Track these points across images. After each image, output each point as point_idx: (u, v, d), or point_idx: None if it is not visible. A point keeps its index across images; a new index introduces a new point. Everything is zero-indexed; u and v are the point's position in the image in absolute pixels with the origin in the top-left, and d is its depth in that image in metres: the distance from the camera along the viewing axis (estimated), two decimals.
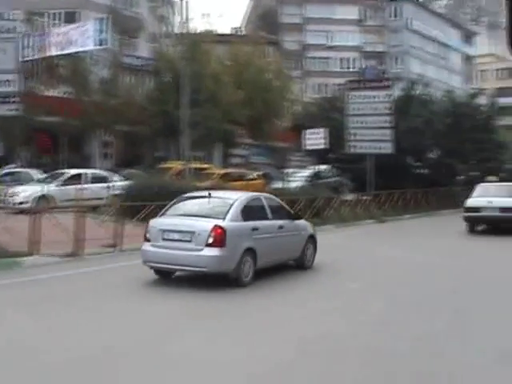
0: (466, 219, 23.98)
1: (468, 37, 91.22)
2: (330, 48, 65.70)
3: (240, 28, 72.24)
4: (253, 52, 45.20)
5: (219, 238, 12.01)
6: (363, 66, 67.78)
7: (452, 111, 35.61)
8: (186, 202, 13.81)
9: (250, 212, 13.17)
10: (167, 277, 13.05)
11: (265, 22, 68.25)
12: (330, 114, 34.76)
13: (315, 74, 69.01)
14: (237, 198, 13.27)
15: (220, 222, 12.23)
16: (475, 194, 24.52)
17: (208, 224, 12.21)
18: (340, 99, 34.20)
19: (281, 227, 13.99)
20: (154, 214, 15.03)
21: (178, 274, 13.19)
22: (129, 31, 45.62)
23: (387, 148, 29.82)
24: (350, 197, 29.89)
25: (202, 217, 12.64)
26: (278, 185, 31.18)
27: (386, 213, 29.20)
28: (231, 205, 12.84)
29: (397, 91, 35.27)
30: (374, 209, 28.99)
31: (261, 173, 36.50)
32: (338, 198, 28.06)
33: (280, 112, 46.98)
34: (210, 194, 13.47)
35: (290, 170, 37.04)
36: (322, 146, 30.19)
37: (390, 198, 30.09)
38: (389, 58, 74.75)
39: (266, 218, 13.73)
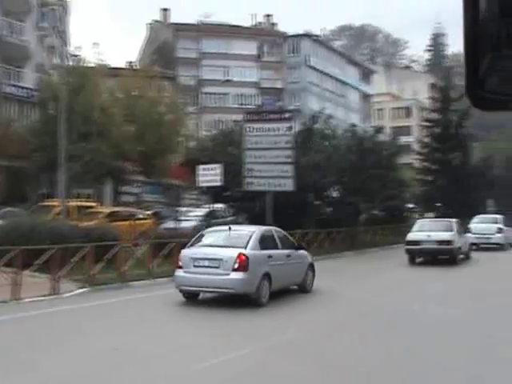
0: (408, 251, 27.06)
1: (365, 75, 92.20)
2: (227, 83, 64.05)
3: (134, 62, 69.79)
4: (146, 85, 42.72)
5: (243, 263, 14.61)
6: (261, 102, 66.71)
7: (356, 147, 34.02)
8: (210, 234, 16.68)
9: (265, 242, 15.91)
10: (194, 299, 15.49)
11: (160, 56, 66.18)
12: (227, 148, 32.54)
13: (211, 110, 67.14)
14: (254, 231, 16.20)
15: (243, 251, 14.87)
16: (415, 229, 28.19)
17: (233, 252, 14.81)
18: (237, 133, 32.08)
19: (288, 256, 16.73)
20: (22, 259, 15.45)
21: (201, 296, 15.70)
22: (14, 60, 42.73)
23: (287, 185, 27.65)
24: None
25: (227, 247, 15.19)
26: (170, 225, 29.12)
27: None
28: (250, 236, 15.59)
29: (297, 126, 33.58)
30: None
31: (151, 212, 33.79)
32: None
33: (173, 147, 44.50)
34: (230, 227, 16.47)
35: (184, 209, 34.51)
36: (217, 183, 27.73)
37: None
38: (287, 94, 73.94)
39: (277, 248, 16.45)
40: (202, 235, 16.67)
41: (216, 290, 15.18)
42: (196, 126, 59.08)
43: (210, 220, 29.37)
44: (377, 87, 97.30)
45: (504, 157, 67.17)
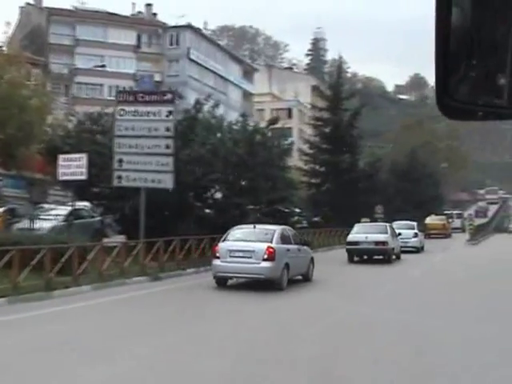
0: (348, 251, 30.16)
1: (248, 73, 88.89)
2: (102, 74, 58.55)
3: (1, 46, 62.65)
4: (9, 68, 36.55)
5: (271, 254, 18.60)
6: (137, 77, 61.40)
7: (246, 141, 29.33)
8: (238, 231, 20.30)
9: (283, 238, 19.90)
10: (224, 284, 19.33)
11: (32, 42, 59.78)
12: (95, 136, 27.37)
13: (84, 101, 60.97)
14: (275, 229, 20.33)
15: (270, 244, 18.87)
16: (354, 231, 31.31)
17: (263, 245, 18.80)
18: (110, 119, 26.98)
19: (299, 250, 20.79)
20: None
21: (229, 282, 19.65)
22: None
23: (166, 181, 23.03)
24: (116, 243, 22.47)
25: (257, 241, 19.09)
26: (25, 225, 24.02)
27: (164, 266, 22.25)
28: (273, 233, 19.68)
29: (179, 115, 29.08)
30: (148, 260, 21.83)
31: (2, 209, 28.10)
32: (98, 245, 20.58)
33: (39, 137, 38.45)
34: (255, 226, 20.75)
35: (47, 207, 29.11)
36: (80, 177, 22.52)
37: (168, 245, 23.03)
38: (165, 88, 68.86)
39: (291, 243, 20.35)
40: (230, 232, 20.10)
41: (249, 275, 18.83)
42: (66, 117, 53.13)
43: (72, 220, 24.22)
44: (258, 87, 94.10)
45: (388, 161, 65.44)
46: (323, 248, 37.35)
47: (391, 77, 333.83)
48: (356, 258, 30.14)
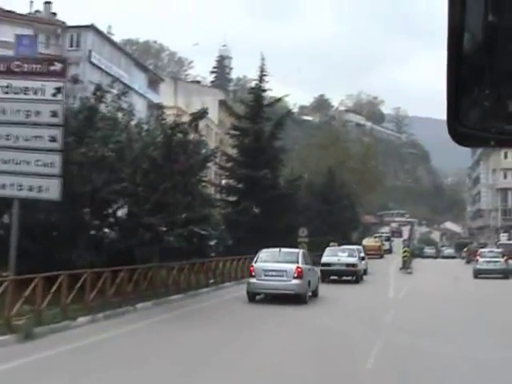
0: (321, 272, 30.42)
1: (154, 82, 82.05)
2: None
3: None
4: None
5: (300, 273, 22.06)
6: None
7: (162, 141, 22.02)
8: (266, 253, 24.07)
9: (304, 259, 23.73)
10: (253, 298, 22.54)
11: None
12: None
13: None
14: (297, 251, 25.21)
15: (298, 265, 22.49)
16: (326, 254, 34.23)
17: (292, 266, 22.34)
18: None
19: (313, 269, 24.85)
20: None
21: (258, 297, 22.75)
22: None
23: (51, 190, 15.79)
24: None
25: (286, 262, 22.73)
26: None
27: (41, 315, 14.91)
28: (297, 255, 23.91)
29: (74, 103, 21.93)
30: (22, 305, 14.49)
31: None
32: None
33: None
34: (280, 249, 24.33)
35: None
36: None
37: (51, 283, 15.66)
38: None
39: (308, 264, 24.14)
40: (259, 255, 24.00)
41: (282, 291, 22.14)
42: None
43: None
44: (164, 99, 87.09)
45: (305, 181, 59.88)
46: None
47: (295, 98, 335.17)
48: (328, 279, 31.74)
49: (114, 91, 22.66)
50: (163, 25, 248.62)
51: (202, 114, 24.65)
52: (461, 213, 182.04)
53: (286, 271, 22.14)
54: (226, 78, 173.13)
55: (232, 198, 44.57)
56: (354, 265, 32.91)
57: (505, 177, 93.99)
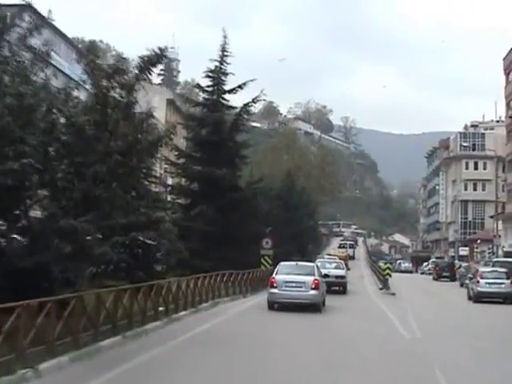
0: None
1: None
2: None
3: None
4: None
5: (317, 285, 23.79)
6: None
7: (96, 100, 14.03)
8: (286, 266, 25.85)
9: (318, 271, 25.78)
10: (274, 307, 23.85)
11: None
12: None
13: None
14: (313, 265, 27.55)
15: (316, 277, 24.27)
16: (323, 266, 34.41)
17: (310, 278, 23.97)
18: None
19: (323, 281, 25.95)
20: None
21: (276, 306, 23.92)
22: None
23: None
24: None
25: (304, 274, 24.30)
26: None
27: None
28: (313, 268, 26.07)
29: None
30: None
31: None
32: None
33: None
34: (297, 263, 27.43)
35: None
36: None
37: None
38: None
39: (321, 276, 25.94)
40: (278, 268, 25.44)
41: (301, 301, 23.50)
42: None
43: None
44: None
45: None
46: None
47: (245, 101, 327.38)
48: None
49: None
50: (110, 25, 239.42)
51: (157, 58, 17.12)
52: (409, 225, 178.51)
53: (304, 283, 23.83)
54: (173, 80, 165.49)
55: (184, 201, 37.08)
56: (342, 276, 35.03)
57: (465, 188, 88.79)
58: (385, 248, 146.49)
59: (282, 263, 26.45)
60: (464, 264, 63.72)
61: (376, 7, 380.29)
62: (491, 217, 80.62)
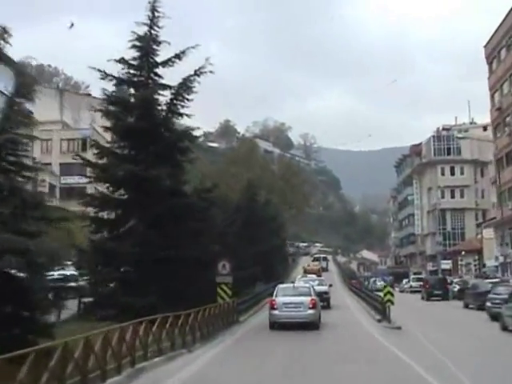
0: None
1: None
2: None
3: None
4: None
5: (314, 304, 25.51)
6: None
7: None
8: (284, 288, 27.87)
9: (314, 292, 27.36)
10: (275, 327, 25.24)
11: None
12: None
13: None
14: (309, 286, 29.22)
15: (312, 297, 25.90)
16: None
17: (308, 298, 25.58)
18: None
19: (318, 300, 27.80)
20: None
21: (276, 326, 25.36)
22: None
23: None
24: None
25: (302, 295, 26.02)
26: None
27: None
28: (310, 289, 27.53)
29: None
30: None
31: None
32: None
33: None
34: (293, 285, 29.85)
35: None
36: None
37: None
38: None
39: (316, 295, 27.51)
40: (277, 290, 27.12)
41: (299, 320, 24.89)
42: None
43: None
44: (46, 114, 68.65)
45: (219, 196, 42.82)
46: None
47: (200, 123, 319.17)
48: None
49: None
50: (58, 49, 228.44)
51: None
52: (376, 241, 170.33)
53: (302, 303, 25.34)
54: None
55: (108, 216, 26.97)
56: (326, 292, 36.83)
57: (442, 196, 79.88)
58: (353, 266, 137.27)
59: (280, 286, 28.86)
60: (456, 279, 54.53)
61: (325, 25, 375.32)
62: (478, 225, 72.16)
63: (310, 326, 24.69)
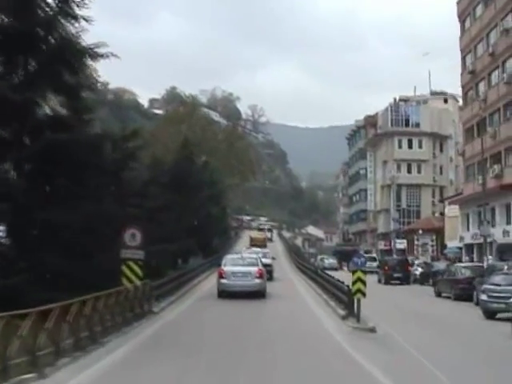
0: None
1: None
2: None
3: None
4: None
5: (260, 274, 26.85)
6: None
7: None
8: (233, 258, 29.39)
9: (261, 262, 29.05)
10: (223, 295, 26.23)
11: None
12: None
13: None
14: (256, 257, 30.86)
15: (260, 267, 27.32)
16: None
17: (255, 268, 26.90)
18: None
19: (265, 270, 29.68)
20: None
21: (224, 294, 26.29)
22: None
23: None
24: None
25: (249, 265, 27.18)
26: None
27: None
28: (257, 259, 29.24)
29: None
30: None
31: None
32: None
33: None
34: (242, 255, 31.04)
35: None
36: None
37: None
38: None
39: (263, 265, 29.00)
40: (225, 261, 28.46)
41: (247, 288, 26.01)
42: None
43: None
44: None
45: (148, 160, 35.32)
46: None
47: (146, 90, 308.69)
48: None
49: None
50: None
51: None
52: (321, 217, 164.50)
53: (250, 273, 26.47)
54: None
55: None
56: (269, 265, 37.42)
57: (398, 170, 73.04)
58: (298, 241, 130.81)
59: (228, 256, 31.28)
60: (418, 261, 47.86)
61: (282, 1, 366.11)
62: (441, 201, 65.69)
63: (257, 294, 26.02)
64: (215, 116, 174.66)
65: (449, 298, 29.80)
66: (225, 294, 25.94)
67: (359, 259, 19.16)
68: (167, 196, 36.16)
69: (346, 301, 19.92)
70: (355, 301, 19.06)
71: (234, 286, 25.87)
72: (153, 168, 40.55)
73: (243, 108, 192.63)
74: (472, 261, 46.83)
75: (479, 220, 47.23)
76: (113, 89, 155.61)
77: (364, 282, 18.77)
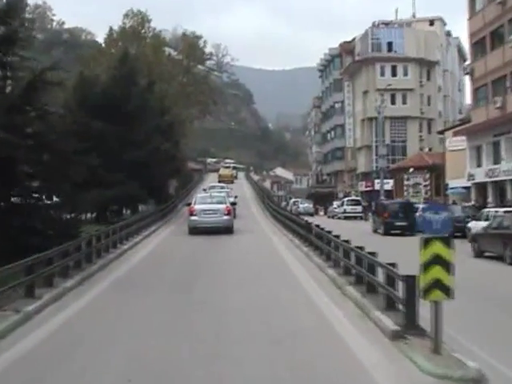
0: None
1: None
2: None
3: None
4: None
5: (228, 211, 28.48)
6: None
7: None
8: (202, 197, 31.13)
9: (228, 200, 31.42)
10: (194, 232, 27.55)
11: None
12: None
13: None
14: (224, 195, 32.56)
15: (228, 205, 29.08)
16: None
17: (223, 206, 28.60)
18: None
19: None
20: None
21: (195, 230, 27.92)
22: None
23: None
24: None
25: (218, 203, 28.91)
26: None
27: None
28: (225, 197, 31.18)
29: None
30: None
31: None
32: None
33: None
34: (211, 193, 32.92)
35: None
36: None
37: None
38: None
39: (231, 203, 31.72)
40: (196, 199, 30.27)
41: (217, 225, 27.68)
42: None
43: None
44: None
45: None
46: None
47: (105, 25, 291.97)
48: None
49: None
50: None
51: None
52: (290, 158, 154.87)
53: (219, 210, 28.13)
54: None
55: None
56: (233, 203, 36.83)
57: (382, 101, 62.35)
58: (267, 184, 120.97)
59: (199, 195, 32.73)
60: (421, 205, 37.85)
61: None
62: (440, 132, 55.48)
63: (226, 230, 27.82)
64: (176, 55, 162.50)
65: (494, 258, 20.11)
66: (195, 230, 27.50)
67: (436, 215, 8.62)
68: (95, 124, 25.45)
69: (401, 299, 9.65)
70: (418, 303, 8.91)
71: (204, 222, 27.63)
72: (79, 90, 29.74)
73: (207, 49, 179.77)
74: (485, 203, 37.23)
75: (495, 153, 37.42)
76: (69, 28, 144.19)
77: (448, 266, 8.49)
